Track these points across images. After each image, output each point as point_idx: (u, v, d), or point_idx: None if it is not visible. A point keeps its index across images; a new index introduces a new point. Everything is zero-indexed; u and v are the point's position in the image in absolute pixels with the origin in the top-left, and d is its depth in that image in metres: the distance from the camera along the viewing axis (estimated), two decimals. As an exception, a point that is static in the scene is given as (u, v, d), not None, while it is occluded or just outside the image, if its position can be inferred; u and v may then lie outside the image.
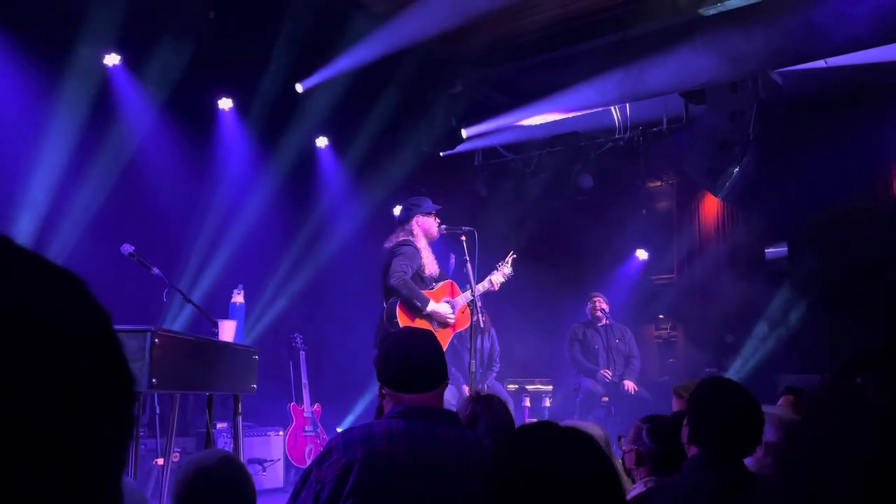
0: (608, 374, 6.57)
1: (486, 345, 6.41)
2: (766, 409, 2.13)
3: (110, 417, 0.47)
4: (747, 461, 2.07)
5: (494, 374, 6.44)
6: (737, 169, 6.53)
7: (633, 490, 2.34)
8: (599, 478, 1.11)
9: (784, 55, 5.92)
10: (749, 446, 2.04)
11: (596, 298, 6.89)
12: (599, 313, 6.78)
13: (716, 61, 5.86)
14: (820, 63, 6.11)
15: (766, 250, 7.20)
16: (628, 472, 2.46)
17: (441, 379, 2.00)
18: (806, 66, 6.24)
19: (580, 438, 1.16)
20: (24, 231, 5.11)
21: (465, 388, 5.43)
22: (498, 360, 6.53)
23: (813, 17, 5.38)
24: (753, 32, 5.64)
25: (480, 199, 8.18)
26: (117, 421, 0.48)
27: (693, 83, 6.34)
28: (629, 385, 6.48)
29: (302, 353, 6.48)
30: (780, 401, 3.78)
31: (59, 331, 0.45)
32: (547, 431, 1.18)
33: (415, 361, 1.96)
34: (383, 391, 1.98)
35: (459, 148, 7.82)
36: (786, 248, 6.90)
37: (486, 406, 2.66)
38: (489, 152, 8.34)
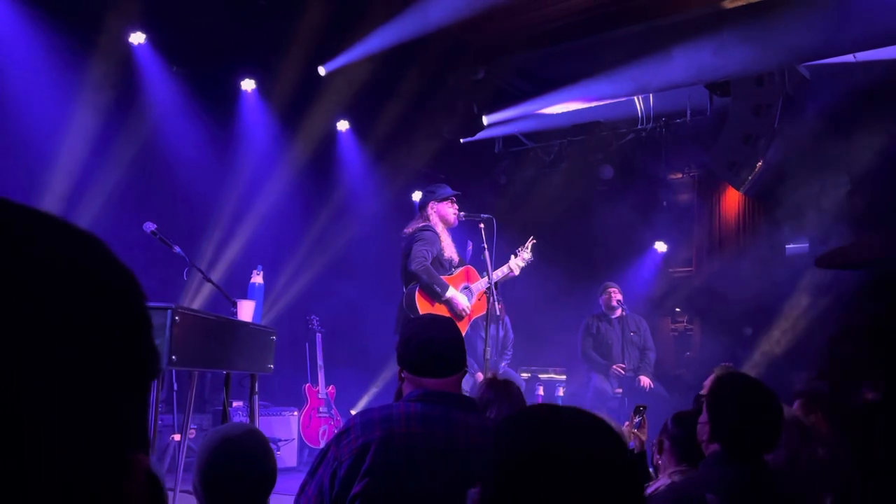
0: (622, 368, 6.41)
1: (500, 333, 6.39)
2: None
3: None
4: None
5: (507, 362, 6.44)
6: (760, 163, 6.46)
7: (655, 484, 2.34)
8: (612, 466, 0.99)
9: (812, 48, 5.83)
10: (769, 442, 2.02)
11: (611, 289, 6.59)
12: (615, 304, 6.55)
13: (742, 53, 5.79)
14: (849, 57, 6.02)
15: (787, 246, 7.12)
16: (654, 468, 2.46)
17: (460, 365, 2.02)
18: (834, 60, 6.14)
19: (593, 423, 1.03)
20: (47, 208, 5.16)
21: (479, 376, 5.44)
22: (511, 347, 6.51)
23: (842, 10, 5.30)
24: (781, 24, 5.56)
25: (500, 186, 8.16)
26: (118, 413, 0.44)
27: (718, 75, 6.26)
28: (645, 381, 6.32)
29: (318, 336, 6.53)
30: (795, 404, 3.76)
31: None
32: (553, 413, 1.05)
33: (435, 347, 1.97)
34: (403, 374, 2.00)
35: (480, 135, 7.79)
36: (807, 245, 6.81)
37: (502, 392, 2.65)
38: (510, 140, 8.31)
